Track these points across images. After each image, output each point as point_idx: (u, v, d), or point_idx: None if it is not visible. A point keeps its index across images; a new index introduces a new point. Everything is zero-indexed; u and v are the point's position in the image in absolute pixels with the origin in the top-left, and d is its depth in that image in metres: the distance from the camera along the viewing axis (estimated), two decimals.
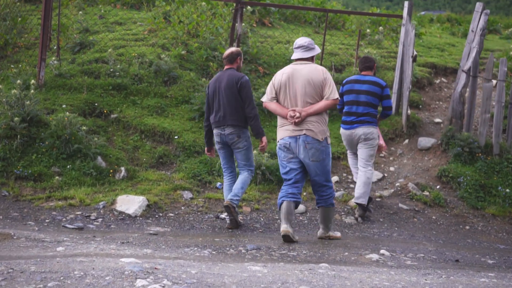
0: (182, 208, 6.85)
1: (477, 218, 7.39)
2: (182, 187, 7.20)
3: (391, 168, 8.33)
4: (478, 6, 8.37)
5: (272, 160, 7.49)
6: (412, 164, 8.46)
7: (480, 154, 8.15)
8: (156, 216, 6.61)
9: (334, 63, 10.71)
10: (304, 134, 5.28)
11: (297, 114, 5.25)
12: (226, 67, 6.19)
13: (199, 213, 6.76)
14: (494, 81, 8.58)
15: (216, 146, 6.26)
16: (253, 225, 6.55)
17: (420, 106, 9.97)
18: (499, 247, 6.50)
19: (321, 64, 9.61)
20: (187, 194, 7.09)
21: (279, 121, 5.55)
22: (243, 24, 10.41)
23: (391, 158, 8.63)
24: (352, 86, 6.80)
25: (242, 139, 6.01)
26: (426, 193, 7.68)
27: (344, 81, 7.04)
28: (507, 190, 7.71)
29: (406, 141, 8.99)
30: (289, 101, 5.38)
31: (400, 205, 7.35)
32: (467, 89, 8.43)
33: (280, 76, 5.46)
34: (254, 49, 10.07)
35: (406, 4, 9.10)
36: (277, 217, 6.75)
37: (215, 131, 6.13)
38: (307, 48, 5.43)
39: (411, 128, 9.10)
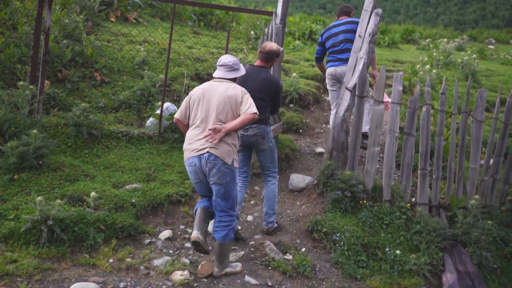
0: None
1: None
2: None
3: (249, 218, 6.21)
4: (368, 3, 6.39)
5: (69, 209, 5.19)
6: (278, 211, 6.35)
7: (365, 201, 6.15)
8: None
9: (198, 70, 8.51)
10: (208, 152, 4.78)
11: (218, 129, 4.81)
12: (257, 63, 5.75)
13: None
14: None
15: None
16: None
17: (301, 131, 7.95)
18: None
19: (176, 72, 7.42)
20: None
21: (186, 139, 5.02)
22: (81, 16, 8.04)
23: (252, 202, 6.52)
24: (330, 31, 7.20)
25: (267, 140, 5.63)
26: (288, 256, 5.58)
27: (322, 31, 7.38)
28: (397, 251, 5.76)
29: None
30: (200, 118, 4.91)
31: (247, 278, 5.19)
32: (352, 113, 6.41)
33: (196, 90, 5.08)
34: (89, 49, 7.65)
35: None
36: None
37: None
38: (231, 68, 5.08)
39: (284, 161, 7.00)
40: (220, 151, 4.80)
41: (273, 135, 6.98)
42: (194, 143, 4.86)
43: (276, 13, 7.06)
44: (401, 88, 6.26)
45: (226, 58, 5.10)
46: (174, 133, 6.99)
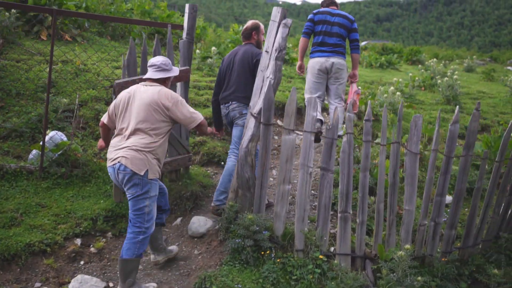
0: None
1: None
2: None
3: None
4: (276, 13, 5.50)
5: None
6: (168, 263, 5.40)
7: (268, 251, 5.17)
8: None
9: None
10: (119, 162, 4.53)
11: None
12: (243, 43, 6.11)
13: None
14: (300, 132, 5.65)
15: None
16: None
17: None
18: None
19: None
20: None
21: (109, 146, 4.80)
22: None
23: None
24: (325, 16, 7.18)
25: (243, 117, 5.80)
26: None
27: (315, 11, 7.30)
28: None
29: (179, 220, 5.97)
30: (121, 125, 4.71)
31: None
32: (259, 143, 5.48)
33: (123, 93, 4.85)
34: None
35: (187, 8, 6.17)
36: None
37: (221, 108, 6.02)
38: (159, 68, 4.86)
39: (189, 200, 6.07)
40: (131, 161, 4.52)
41: (176, 168, 6.14)
42: (113, 152, 4.65)
43: (180, 25, 6.19)
44: (314, 114, 5.31)
45: (156, 58, 4.93)
46: (61, 167, 6.10)
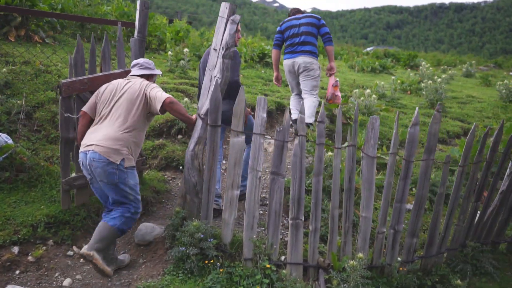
0: None
1: None
2: None
3: (66, 282, 4.96)
4: (224, 8, 5.25)
5: None
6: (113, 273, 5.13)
7: (213, 260, 4.91)
8: None
9: None
10: (92, 150, 4.53)
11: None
12: None
13: None
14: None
15: None
16: None
17: (181, 167, 6.74)
18: None
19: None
20: None
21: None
22: None
23: (81, 261, 5.29)
24: (290, 22, 7.70)
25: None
26: None
27: (281, 23, 7.86)
28: None
29: None
30: (100, 114, 4.81)
31: None
32: (206, 147, 5.22)
33: (106, 85, 4.99)
34: None
35: (138, 4, 5.94)
36: None
37: None
38: (142, 66, 5.19)
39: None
40: (105, 150, 4.56)
41: None
42: (87, 138, 4.69)
43: (132, 23, 5.96)
44: (265, 116, 5.05)
45: (139, 59, 5.28)
46: (5, 171, 5.86)
